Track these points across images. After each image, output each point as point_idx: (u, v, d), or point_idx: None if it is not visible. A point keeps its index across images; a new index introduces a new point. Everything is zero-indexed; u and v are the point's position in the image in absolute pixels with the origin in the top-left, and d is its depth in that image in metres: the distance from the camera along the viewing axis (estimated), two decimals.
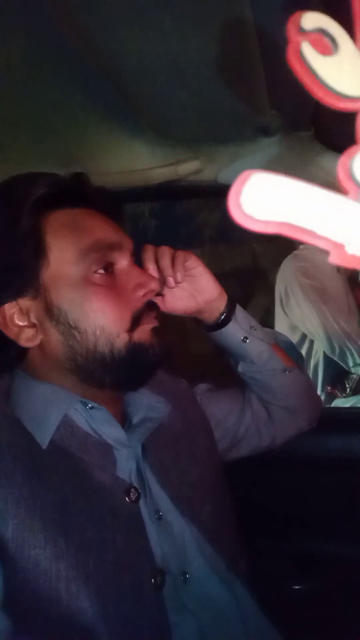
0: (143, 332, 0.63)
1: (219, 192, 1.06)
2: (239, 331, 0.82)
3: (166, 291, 0.79)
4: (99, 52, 0.70)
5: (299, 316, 1.94)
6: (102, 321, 0.60)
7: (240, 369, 0.86)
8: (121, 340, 0.61)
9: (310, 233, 0.16)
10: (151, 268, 0.76)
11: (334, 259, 0.16)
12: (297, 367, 0.90)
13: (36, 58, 0.72)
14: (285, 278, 1.99)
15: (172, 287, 0.78)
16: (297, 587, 1.10)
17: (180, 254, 0.77)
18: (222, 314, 0.81)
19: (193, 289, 0.80)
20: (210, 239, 4.64)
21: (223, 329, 0.82)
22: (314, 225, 0.16)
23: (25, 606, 0.52)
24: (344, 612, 0.98)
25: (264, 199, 0.16)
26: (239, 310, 0.83)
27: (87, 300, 0.60)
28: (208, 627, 0.62)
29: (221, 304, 0.81)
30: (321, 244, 0.16)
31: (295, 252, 2.05)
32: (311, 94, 0.17)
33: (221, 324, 0.82)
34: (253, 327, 0.84)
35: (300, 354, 0.94)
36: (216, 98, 0.80)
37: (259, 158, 0.93)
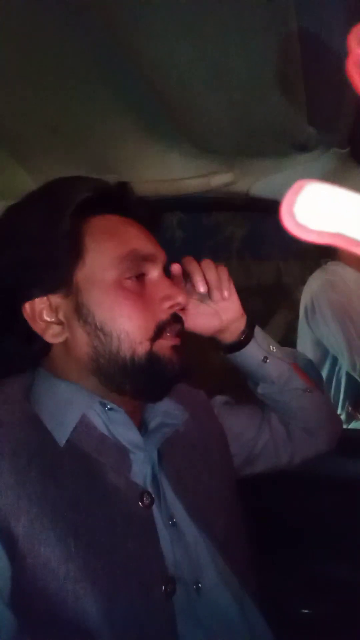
0: (164, 347, 0.63)
1: (250, 206, 1.06)
2: (259, 351, 0.82)
3: (190, 307, 0.79)
4: (140, 60, 0.71)
5: (323, 331, 1.90)
6: (127, 326, 0.61)
7: (260, 390, 0.85)
8: (143, 348, 0.62)
9: None
10: (199, 280, 0.77)
11: None
12: (317, 388, 0.89)
13: (77, 65, 0.74)
14: (313, 291, 1.95)
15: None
16: (306, 611, 1.08)
17: (225, 269, 0.79)
18: (242, 333, 0.81)
19: (219, 307, 0.80)
20: (237, 253, 4.64)
21: (243, 350, 0.82)
22: None
23: (31, 605, 0.52)
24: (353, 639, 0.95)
25: (318, 209, 0.16)
26: (258, 330, 0.83)
27: (117, 304, 0.61)
28: (216, 638, 0.61)
29: (242, 323, 0.82)
30: None
31: (324, 265, 2.02)
32: None
33: (241, 343, 0.82)
34: (272, 346, 0.84)
35: (320, 374, 0.93)
36: (255, 111, 0.80)
37: (293, 174, 0.93)
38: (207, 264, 0.79)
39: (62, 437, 0.59)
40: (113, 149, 0.99)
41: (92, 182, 0.65)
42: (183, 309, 0.72)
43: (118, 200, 0.66)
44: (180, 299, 0.65)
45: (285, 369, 0.83)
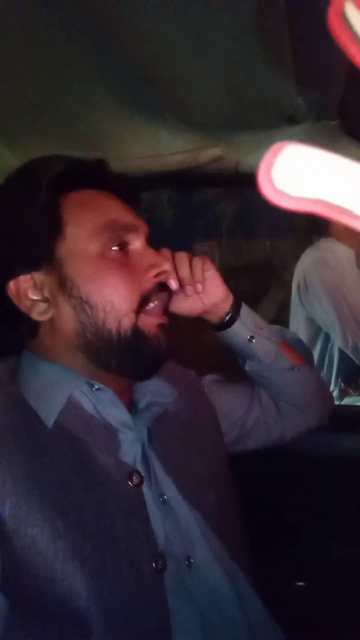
0: (150, 324, 0.63)
1: (239, 181, 1.05)
2: (245, 331, 0.82)
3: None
4: (123, 34, 0.68)
5: (316, 308, 1.91)
6: (112, 297, 0.61)
7: (247, 367, 0.86)
8: (128, 320, 0.62)
9: (348, 212, 0.14)
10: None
11: None
12: (306, 365, 0.89)
13: (59, 41, 0.71)
14: (305, 268, 1.95)
15: (190, 296, 0.78)
16: (300, 583, 1.10)
17: (199, 262, 0.78)
18: (227, 314, 0.81)
19: (202, 289, 0.79)
20: (228, 231, 4.60)
21: (229, 329, 0.82)
22: (352, 204, 0.14)
23: (20, 586, 0.52)
24: (347, 611, 0.97)
25: (298, 173, 0.14)
26: (244, 310, 0.83)
27: (100, 275, 0.61)
28: (209, 614, 0.62)
29: (227, 304, 0.82)
30: (358, 225, 0.15)
31: (316, 242, 2.01)
32: (354, 62, 0.15)
33: (226, 323, 0.82)
34: (259, 325, 0.83)
35: (309, 351, 0.93)
36: (242, 83, 0.78)
37: None
38: (180, 258, 0.78)
39: (49, 418, 0.59)
40: (99, 126, 0.96)
41: (67, 159, 0.65)
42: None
43: (95, 176, 0.67)
44: (166, 266, 0.66)
45: (272, 347, 0.84)
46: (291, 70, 0.72)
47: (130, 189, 0.70)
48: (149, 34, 0.68)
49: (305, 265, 1.97)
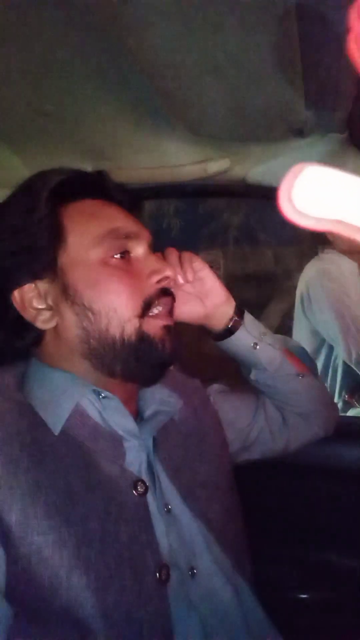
0: (154, 327, 0.64)
1: (247, 193, 1.05)
2: (249, 337, 0.81)
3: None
4: (135, 45, 0.69)
5: (319, 319, 1.91)
6: (115, 303, 0.62)
7: (252, 376, 0.85)
8: (131, 325, 0.62)
9: None
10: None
11: None
12: (310, 373, 0.89)
13: (71, 52, 0.72)
14: (309, 280, 1.96)
15: (181, 285, 0.78)
16: (302, 596, 1.09)
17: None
18: (231, 320, 0.81)
19: (200, 292, 0.80)
20: (234, 241, 4.62)
21: (233, 336, 0.81)
22: None
23: (25, 593, 0.52)
24: (348, 624, 0.96)
25: (318, 193, 0.15)
26: (247, 317, 0.83)
27: (102, 282, 0.62)
28: (211, 624, 0.61)
29: (229, 309, 0.81)
30: None
31: (320, 254, 2.02)
32: None
33: (230, 330, 0.81)
34: (263, 333, 0.83)
35: (313, 361, 0.93)
36: (251, 95, 0.79)
37: (290, 159, 0.92)
38: (169, 252, 0.79)
39: (56, 426, 0.59)
40: (108, 136, 0.97)
41: (68, 171, 0.67)
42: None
43: (97, 187, 0.68)
44: (168, 272, 0.66)
45: (277, 354, 0.83)
46: (300, 83, 0.73)
47: (131, 197, 0.71)
48: (160, 47, 0.69)
49: (309, 277, 1.98)
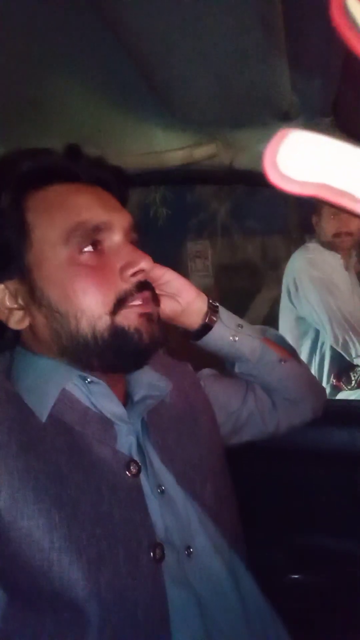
0: (130, 318, 0.60)
1: (234, 179, 1.05)
2: (227, 331, 0.80)
3: None
4: (120, 30, 0.68)
5: (306, 307, 1.96)
6: (82, 304, 0.59)
7: (237, 369, 0.85)
8: (103, 323, 0.59)
9: (350, 196, 0.15)
10: None
11: None
12: (293, 358, 0.89)
13: (55, 37, 0.71)
14: (295, 269, 2.02)
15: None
16: (295, 576, 1.11)
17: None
18: (206, 315, 0.80)
19: (169, 293, 0.78)
20: (222, 230, 4.61)
21: (211, 332, 0.80)
22: (354, 187, 0.15)
23: (17, 578, 0.52)
24: (341, 604, 0.98)
25: (302, 158, 0.15)
26: (222, 311, 0.82)
27: (68, 282, 0.59)
28: (207, 602, 0.62)
29: (202, 304, 0.79)
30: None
31: (306, 244, 2.08)
32: (357, 54, 0.16)
33: (207, 326, 0.80)
34: (239, 325, 0.82)
35: (293, 348, 0.94)
36: (237, 79, 0.78)
37: None
38: None
39: (42, 412, 0.59)
40: (93, 122, 0.96)
41: (34, 153, 0.62)
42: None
43: (68, 167, 0.63)
44: (144, 264, 0.61)
45: (257, 343, 0.83)
46: (286, 66, 0.73)
47: (109, 174, 0.66)
48: (144, 31, 0.68)
49: (295, 266, 2.03)
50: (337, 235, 1.97)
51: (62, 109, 0.92)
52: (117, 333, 0.60)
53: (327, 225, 1.98)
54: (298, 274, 1.98)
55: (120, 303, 0.60)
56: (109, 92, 0.87)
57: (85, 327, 0.59)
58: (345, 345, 1.88)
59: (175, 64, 0.76)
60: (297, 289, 1.97)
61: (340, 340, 1.88)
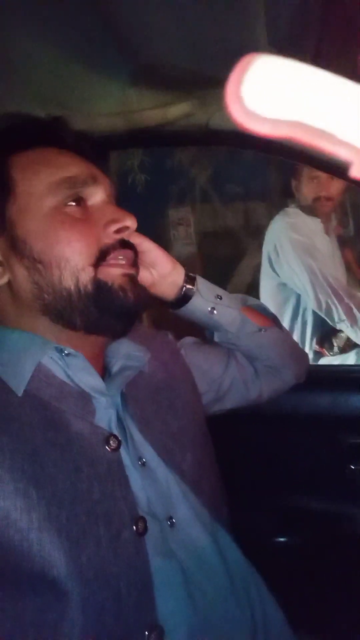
0: (114, 275, 0.61)
1: (211, 139, 1.01)
2: (205, 303, 0.80)
3: None
4: None
5: (287, 272, 1.95)
6: (66, 252, 0.59)
7: (217, 339, 0.85)
8: (86, 274, 0.60)
9: (329, 137, 0.12)
10: None
11: (357, 171, 0.13)
12: (274, 325, 0.88)
13: None
14: (275, 235, 2.00)
15: None
16: (280, 539, 1.13)
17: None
18: (182, 289, 0.79)
19: (145, 263, 0.77)
20: (202, 196, 4.53)
21: (188, 304, 0.79)
22: (334, 126, 0.12)
23: None
24: (326, 565, 1.00)
25: (273, 90, 0.12)
26: (201, 282, 0.81)
27: (52, 230, 0.59)
28: (191, 571, 0.62)
29: (178, 277, 0.79)
30: (342, 152, 0.13)
31: (286, 209, 2.05)
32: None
33: (184, 298, 0.79)
34: (219, 296, 0.81)
35: (275, 315, 0.92)
36: (210, 33, 0.74)
37: None
38: None
39: (19, 387, 0.57)
40: (61, 82, 0.91)
41: (19, 117, 0.66)
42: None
43: (52, 134, 0.65)
44: (128, 222, 0.63)
45: (236, 314, 0.82)
46: (262, 16, 0.68)
47: (91, 146, 0.68)
48: None
49: (275, 231, 2.01)
50: (316, 199, 1.96)
51: (28, 69, 0.87)
52: (100, 287, 0.60)
53: (307, 190, 1.96)
54: (279, 239, 1.96)
55: (103, 256, 0.61)
56: (77, 50, 0.82)
57: (68, 278, 0.59)
58: (329, 310, 1.89)
59: (144, 17, 0.72)
60: (278, 255, 1.95)
61: (324, 304, 1.89)
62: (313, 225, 1.99)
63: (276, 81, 0.12)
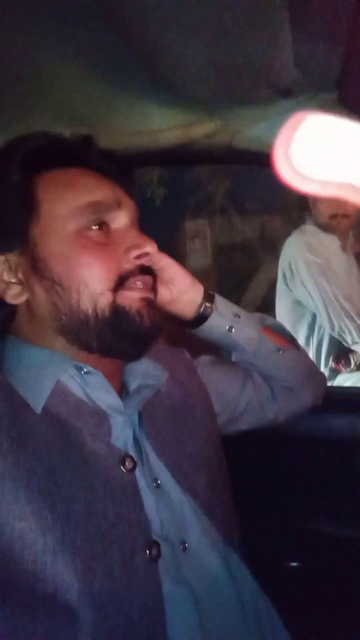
0: (131, 299, 0.61)
1: (233, 158, 1.01)
2: (223, 321, 0.79)
3: None
4: (112, 5, 0.64)
5: (301, 291, 1.94)
6: (86, 276, 0.59)
7: (234, 358, 0.84)
8: (104, 299, 0.59)
9: None
10: None
11: None
12: (291, 346, 0.87)
13: (48, 14, 0.67)
14: (291, 253, 1.98)
15: None
16: (293, 564, 1.11)
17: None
18: (200, 307, 0.78)
19: (163, 279, 0.76)
20: (220, 209, 4.55)
21: (206, 323, 0.78)
22: None
23: (9, 581, 0.50)
24: (338, 591, 0.98)
25: (323, 151, 0.12)
26: (219, 300, 0.80)
27: (74, 254, 0.59)
28: (203, 598, 0.61)
29: (196, 295, 0.78)
30: None
31: (302, 226, 2.04)
32: None
33: (202, 317, 0.78)
34: (237, 314, 0.80)
35: (292, 336, 0.91)
36: (235, 54, 0.74)
37: (278, 122, 0.87)
38: None
39: (37, 404, 0.57)
40: (87, 101, 0.93)
41: (47, 136, 0.64)
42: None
43: (79, 154, 0.65)
44: (149, 247, 0.62)
45: (254, 334, 0.81)
46: (289, 39, 0.69)
47: (119, 166, 0.67)
48: (138, 4, 0.64)
49: (291, 250, 2.00)
50: (333, 217, 1.93)
51: (54, 87, 0.89)
52: (118, 312, 0.60)
53: (323, 207, 1.94)
54: (294, 258, 1.95)
55: (122, 281, 0.60)
56: (103, 69, 0.84)
57: (86, 301, 0.59)
58: (341, 332, 1.88)
59: (171, 38, 0.73)
60: (292, 273, 1.94)
61: (337, 327, 1.87)
62: (330, 243, 1.97)
63: (326, 141, 0.12)
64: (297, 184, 0.12)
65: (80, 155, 0.64)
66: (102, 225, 0.62)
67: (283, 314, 2.01)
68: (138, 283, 0.62)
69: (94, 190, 0.62)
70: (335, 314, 1.86)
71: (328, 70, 0.76)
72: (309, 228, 2.00)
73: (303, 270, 1.91)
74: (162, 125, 0.93)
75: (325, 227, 1.96)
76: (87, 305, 0.59)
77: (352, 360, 1.94)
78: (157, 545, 0.58)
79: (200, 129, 0.93)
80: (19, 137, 0.63)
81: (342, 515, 1.08)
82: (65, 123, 0.94)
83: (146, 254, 0.63)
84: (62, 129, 0.94)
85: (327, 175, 0.12)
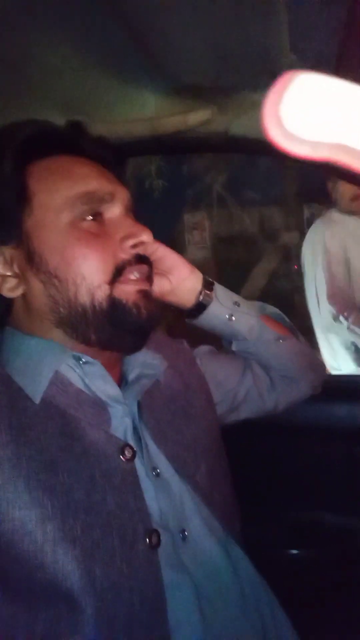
0: (128, 292, 0.60)
1: (230, 146, 1.01)
2: (223, 310, 0.78)
3: None
4: None
5: (310, 276, 1.96)
6: (83, 268, 0.58)
7: (234, 348, 0.83)
8: (102, 292, 0.59)
9: None
10: None
11: None
12: (291, 336, 0.87)
13: None
14: (313, 241, 1.98)
15: None
16: (294, 552, 1.11)
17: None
18: (200, 294, 0.77)
19: (162, 270, 0.75)
20: (218, 201, 4.54)
21: (206, 311, 0.78)
22: None
23: (10, 570, 0.51)
24: (338, 579, 0.98)
25: (314, 110, 0.11)
26: (218, 288, 0.79)
27: (69, 247, 0.58)
28: (203, 585, 0.61)
29: (196, 283, 0.77)
30: None
31: (326, 213, 2.01)
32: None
33: (202, 305, 0.77)
34: (237, 302, 0.80)
35: (292, 325, 0.91)
36: (231, 39, 0.74)
37: None
38: None
39: (36, 394, 0.57)
40: (81, 88, 0.91)
41: (38, 124, 0.62)
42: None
43: (70, 141, 0.63)
44: (145, 236, 0.62)
45: (254, 322, 0.81)
46: (284, 23, 0.68)
47: (110, 152, 0.67)
48: None
49: (313, 238, 1.99)
50: (355, 198, 1.87)
51: (47, 75, 0.87)
52: (115, 305, 0.59)
53: (344, 189, 1.87)
54: (314, 245, 1.95)
55: (118, 272, 0.60)
56: (98, 56, 0.83)
57: (84, 295, 0.58)
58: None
59: (167, 24, 0.72)
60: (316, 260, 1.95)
61: (343, 319, 1.87)
62: (355, 227, 1.91)
63: (317, 101, 0.12)
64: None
65: (72, 142, 0.64)
66: (97, 215, 0.61)
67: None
68: (135, 273, 0.62)
69: (87, 179, 0.61)
70: (334, 302, 1.87)
71: (326, 55, 0.76)
72: (334, 215, 1.96)
73: (320, 257, 1.92)
74: (158, 113, 0.92)
75: (349, 211, 1.91)
76: (85, 298, 0.59)
77: None
78: (157, 533, 0.58)
79: (196, 116, 0.92)
80: (8, 126, 0.62)
81: (342, 503, 1.09)
82: (61, 112, 0.93)
83: (142, 243, 0.62)
84: (57, 118, 0.94)
85: (319, 136, 0.12)
